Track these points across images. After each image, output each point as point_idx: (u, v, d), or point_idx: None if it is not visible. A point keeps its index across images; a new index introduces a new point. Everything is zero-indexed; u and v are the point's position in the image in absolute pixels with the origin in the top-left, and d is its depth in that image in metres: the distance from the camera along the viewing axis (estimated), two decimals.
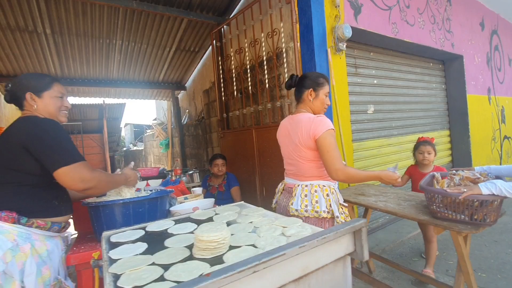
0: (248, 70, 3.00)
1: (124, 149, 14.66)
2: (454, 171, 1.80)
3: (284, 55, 2.59)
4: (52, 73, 4.55)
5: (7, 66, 4.13)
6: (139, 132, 14.22)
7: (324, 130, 1.37)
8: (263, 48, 2.79)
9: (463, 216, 1.39)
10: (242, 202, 1.56)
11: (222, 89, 3.48)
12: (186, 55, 4.76)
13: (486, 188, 1.29)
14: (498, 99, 5.43)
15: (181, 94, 6.10)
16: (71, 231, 1.53)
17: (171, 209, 1.61)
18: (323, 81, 1.55)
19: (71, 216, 1.42)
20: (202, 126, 4.85)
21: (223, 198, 2.78)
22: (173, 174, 4.11)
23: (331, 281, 0.86)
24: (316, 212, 1.41)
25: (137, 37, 4.00)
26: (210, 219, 1.27)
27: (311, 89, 1.52)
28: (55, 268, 1.22)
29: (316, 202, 1.42)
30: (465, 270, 1.52)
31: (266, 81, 2.79)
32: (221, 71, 3.47)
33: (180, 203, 1.87)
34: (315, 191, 1.45)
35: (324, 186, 1.46)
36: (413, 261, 2.59)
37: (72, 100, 8.38)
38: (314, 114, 1.50)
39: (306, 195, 1.45)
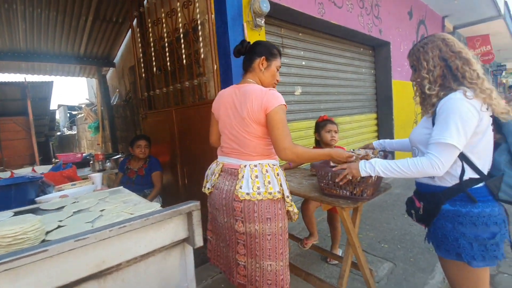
0: (166, 45, 2.74)
1: (58, 133, 13.17)
2: (352, 150, 1.85)
3: (200, 27, 2.39)
4: None
5: None
6: (74, 114, 12.84)
7: (277, 104, 1.24)
8: (179, 20, 2.55)
9: (345, 192, 1.41)
10: (121, 187, 1.39)
11: (143, 65, 3.17)
12: (109, 26, 4.24)
13: (364, 171, 1.30)
14: None
15: (110, 72, 5.52)
16: None
17: (36, 199, 1.37)
18: (276, 52, 1.42)
19: None
20: (129, 107, 4.46)
21: (142, 183, 2.55)
22: (94, 160, 3.73)
23: (160, 273, 0.76)
24: (270, 193, 1.28)
25: (43, 3, 3.41)
26: (60, 209, 1.09)
27: (264, 57, 1.37)
28: None
29: (269, 182, 1.29)
30: (352, 243, 1.57)
31: (184, 57, 2.57)
32: (140, 45, 3.14)
33: (61, 190, 1.64)
34: (266, 171, 1.31)
35: (274, 165, 1.35)
36: (327, 236, 2.71)
37: None
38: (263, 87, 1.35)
39: (257, 176, 1.30)
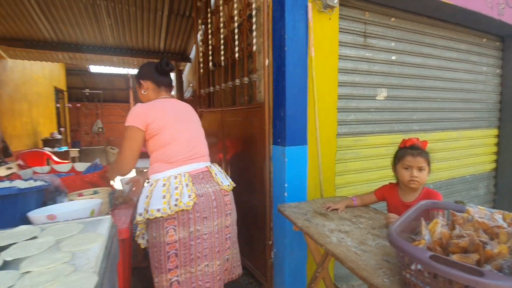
0: (222, 36, 2.40)
1: None
2: (460, 205, 1.11)
3: (255, 12, 1.95)
4: (46, 38, 4.37)
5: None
6: None
7: None
8: (235, 6, 2.16)
9: None
10: (106, 217, 1.07)
11: (201, 60, 2.94)
12: (183, 20, 4.23)
13: None
14: None
15: (187, 67, 5.67)
16: None
17: (29, 213, 1.19)
18: None
19: None
20: (195, 102, 4.41)
21: None
22: None
23: None
24: (230, 184, 1.52)
25: None
26: (6, 248, 0.81)
27: None
28: None
29: (226, 176, 1.56)
30: None
31: (237, 50, 2.18)
32: (201, 38, 2.91)
33: (81, 197, 1.47)
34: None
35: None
36: None
37: (97, 68, 8.45)
38: None
39: (220, 171, 1.52)
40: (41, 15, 3.77)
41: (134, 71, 8.94)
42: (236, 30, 2.18)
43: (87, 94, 10.53)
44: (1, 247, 0.83)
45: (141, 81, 1.50)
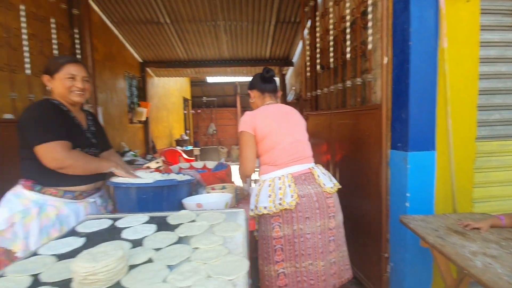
0: (331, 38, 2.38)
1: None
2: None
3: (370, 9, 1.84)
4: (181, 58, 5.38)
5: (148, 54, 5.19)
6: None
7: None
8: (347, 5, 2.10)
9: None
10: (241, 210, 1.25)
11: (309, 63, 3.00)
12: (288, 27, 4.41)
13: None
14: None
15: (289, 71, 5.87)
16: None
17: (183, 200, 1.52)
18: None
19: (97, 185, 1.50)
20: (299, 105, 4.50)
21: None
22: None
23: None
24: (335, 185, 1.51)
25: (237, 15, 4.01)
26: (176, 227, 1.07)
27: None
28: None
29: (330, 177, 1.55)
30: None
31: (348, 50, 2.12)
32: (308, 42, 2.97)
33: (213, 190, 1.77)
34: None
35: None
36: None
37: (212, 79, 9.84)
38: None
39: (324, 173, 1.52)
40: (178, 40, 4.68)
41: (241, 79, 9.88)
42: (347, 30, 2.12)
43: (204, 101, 12.33)
44: (174, 225, 1.10)
45: (249, 91, 1.69)
